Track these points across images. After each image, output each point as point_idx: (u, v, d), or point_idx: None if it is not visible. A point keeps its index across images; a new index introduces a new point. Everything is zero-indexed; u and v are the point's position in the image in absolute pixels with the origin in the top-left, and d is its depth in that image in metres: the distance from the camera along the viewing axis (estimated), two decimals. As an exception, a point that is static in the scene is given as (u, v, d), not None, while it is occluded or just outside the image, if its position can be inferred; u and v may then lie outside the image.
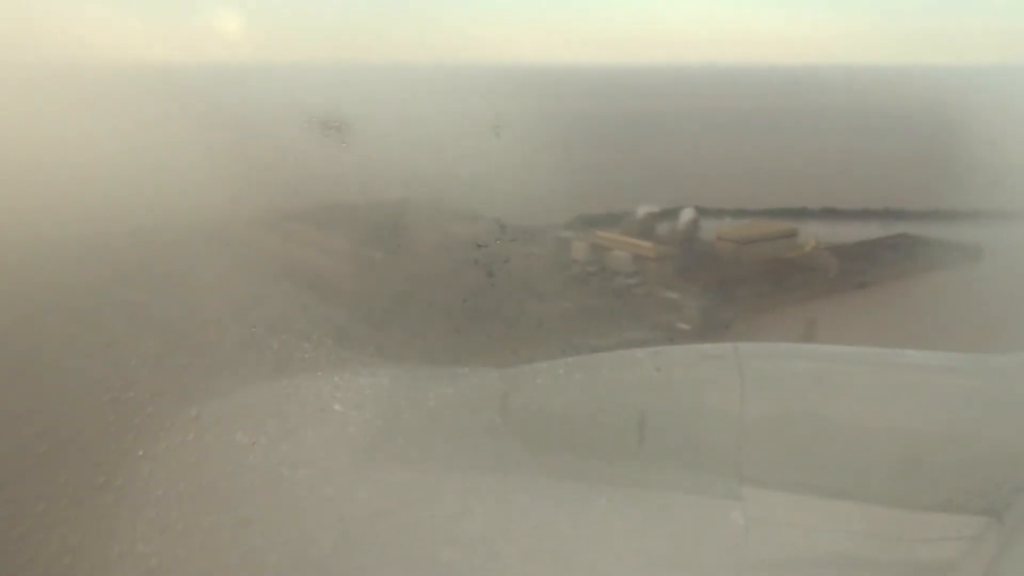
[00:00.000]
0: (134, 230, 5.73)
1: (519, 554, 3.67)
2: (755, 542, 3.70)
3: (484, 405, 4.15)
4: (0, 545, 3.79)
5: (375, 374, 4.44)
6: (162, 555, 3.72)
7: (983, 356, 4.22)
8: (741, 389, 3.92)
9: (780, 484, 3.78)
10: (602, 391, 4.19)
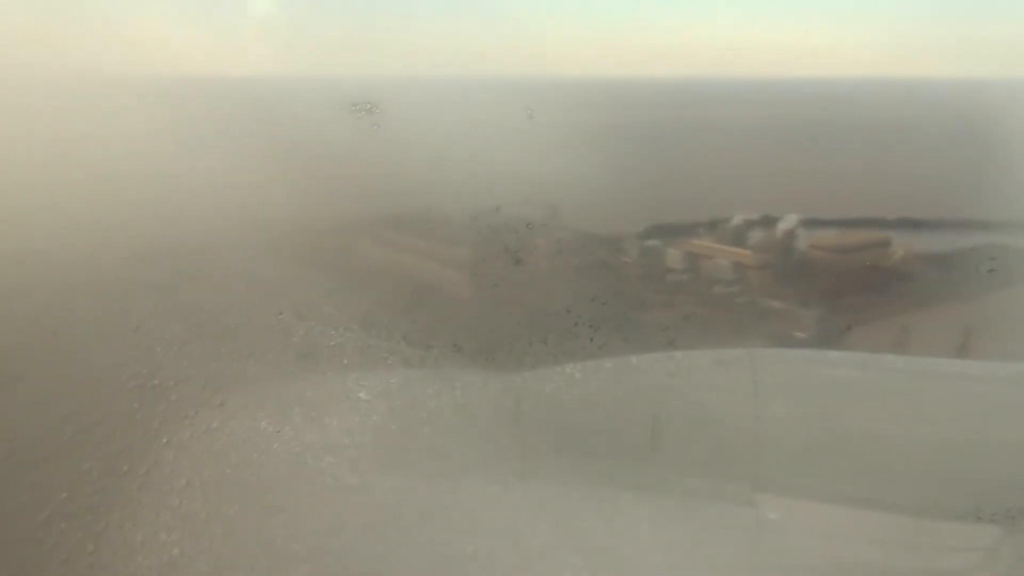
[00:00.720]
0: (179, 231, 5.75)
1: (542, 545, 3.68)
2: (770, 548, 3.69)
3: (498, 409, 4.15)
4: (25, 531, 3.82)
5: (403, 366, 4.44)
6: (184, 544, 3.75)
7: (1007, 364, 4.16)
8: (755, 395, 3.90)
9: (796, 490, 3.77)
10: (616, 396, 4.18)
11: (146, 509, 3.87)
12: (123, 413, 4.36)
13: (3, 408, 4.33)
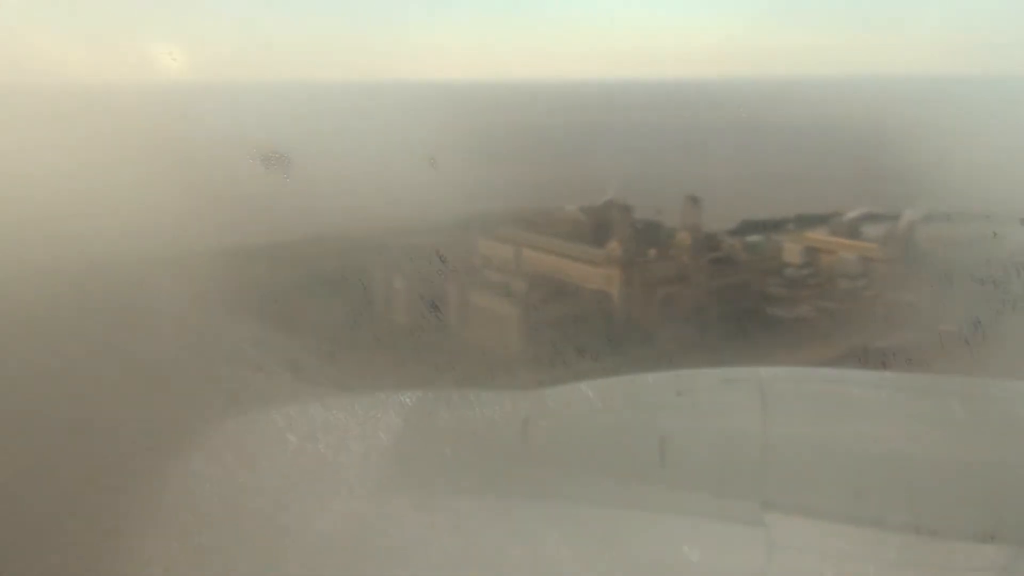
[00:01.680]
0: (90, 258, 5.52)
1: (548, 565, 3.61)
2: (779, 568, 3.64)
3: (506, 428, 4.06)
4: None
5: (398, 397, 4.34)
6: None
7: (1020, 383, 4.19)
8: (763, 413, 3.86)
9: (805, 510, 3.72)
10: (623, 415, 4.12)
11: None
12: (57, 459, 4.15)
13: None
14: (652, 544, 3.69)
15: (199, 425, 4.22)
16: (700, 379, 4.23)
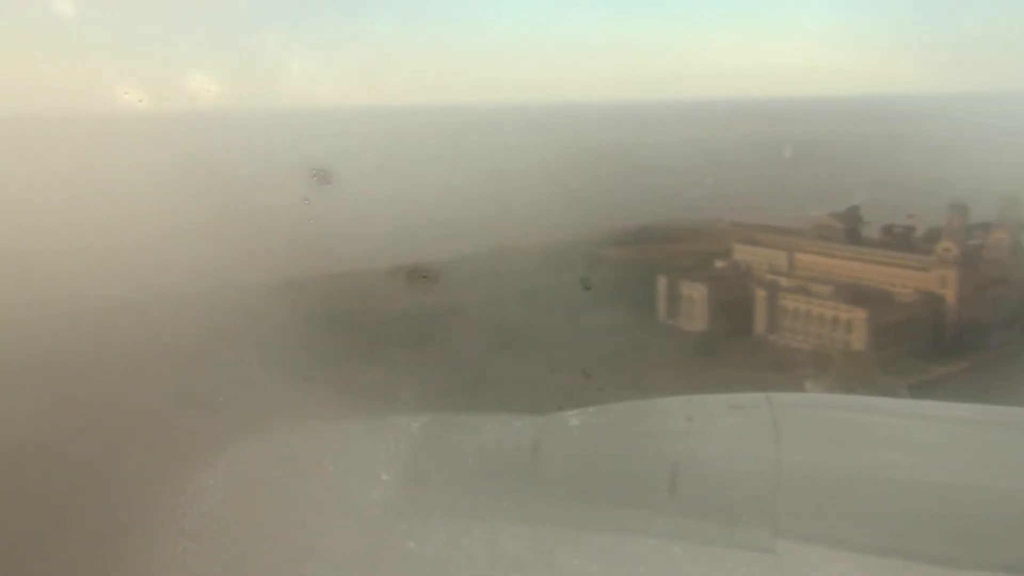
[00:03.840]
0: (122, 293, 5.58)
1: None
2: None
3: (515, 454, 4.08)
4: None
5: (407, 422, 4.38)
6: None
7: None
8: (775, 439, 3.83)
9: (818, 538, 3.68)
10: (633, 440, 4.11)
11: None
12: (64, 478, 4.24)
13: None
14: (662, 572, 3.69)
15: (211, 448, 4.31)
16: (711, 404, 4.21)
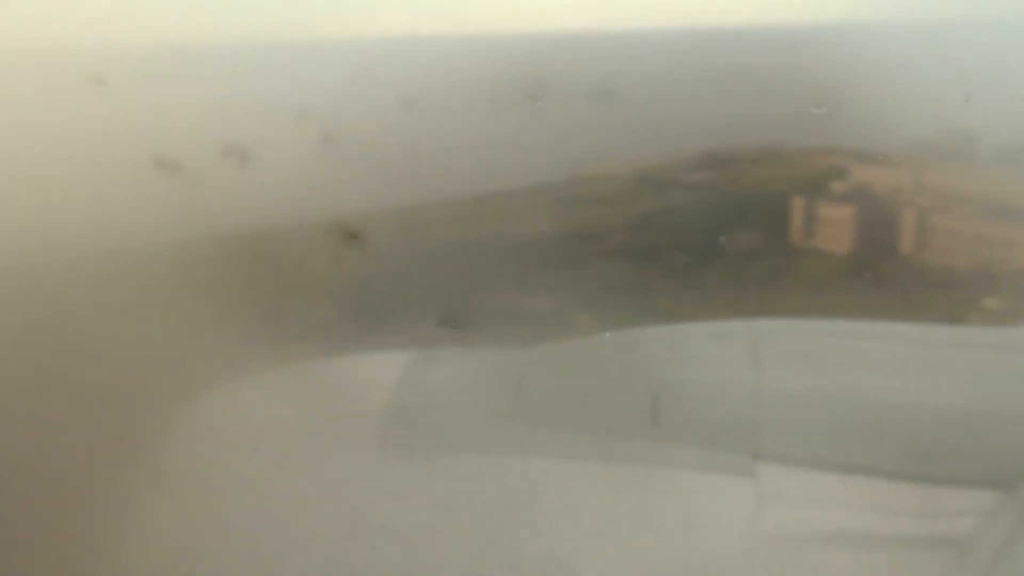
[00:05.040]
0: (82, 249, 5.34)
1: (538, 521, 3.66)
2: (769, 519, 3.69)
3: (499, 387, 4.09)
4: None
5: (391, 358, 4.36)
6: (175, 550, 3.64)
7: (1010, 330, 4.20)
8: (754, 367, 3.89)
9: (795, 460, 3.77)
10: (617, 371, 4.14)
11: (122, 523, 3.71)
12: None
13: None
14: (643, 497, 3.75)
15: (189, 395, 4.25)
16: (692, 333, 4.25)
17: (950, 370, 3.95)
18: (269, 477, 3.82)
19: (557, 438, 3.92)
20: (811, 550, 3.68)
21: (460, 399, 4.13)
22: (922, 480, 3.68)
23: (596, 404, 4.03)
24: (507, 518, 3.69)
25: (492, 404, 4.07)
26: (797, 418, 3.85)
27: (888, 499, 3.68)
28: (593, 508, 3.75)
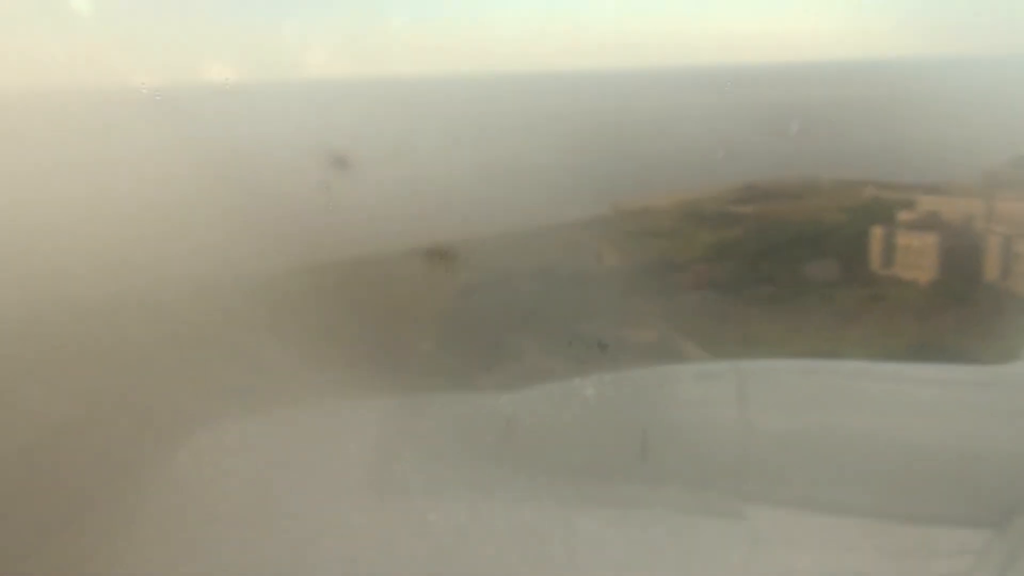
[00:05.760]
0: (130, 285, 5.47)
1: (527, 567, 3.69)
2: (760, 561, 3.70)
3: (488, 429, 4.16)
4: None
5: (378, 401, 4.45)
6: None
7: (993, 368, 4.18)
8: (741, 407, 3.92)
9: (784, 501, 3.78)
10: (605, 412, 4.19)
11: (109, 552, 3.81)
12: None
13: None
14: (633, 540, 3.78)
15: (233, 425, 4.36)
16: (680, 374, 4.30)
17: (937, 408, 3.94)
18: (255, 510, 3.92)
19: (547, 479, 3.95)
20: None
21: (448, 443, 4.22)
22: (913, 520, 3.66)
23: (585, 446, 4.09)
24: (495, 563, 3.75)
25: (482, 446, 4.15)
26: (785, 459, 3.87)
27: (881, 540, 3.65)
28: (589, 551, 3.78)
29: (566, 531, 3.79)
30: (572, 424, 4.15)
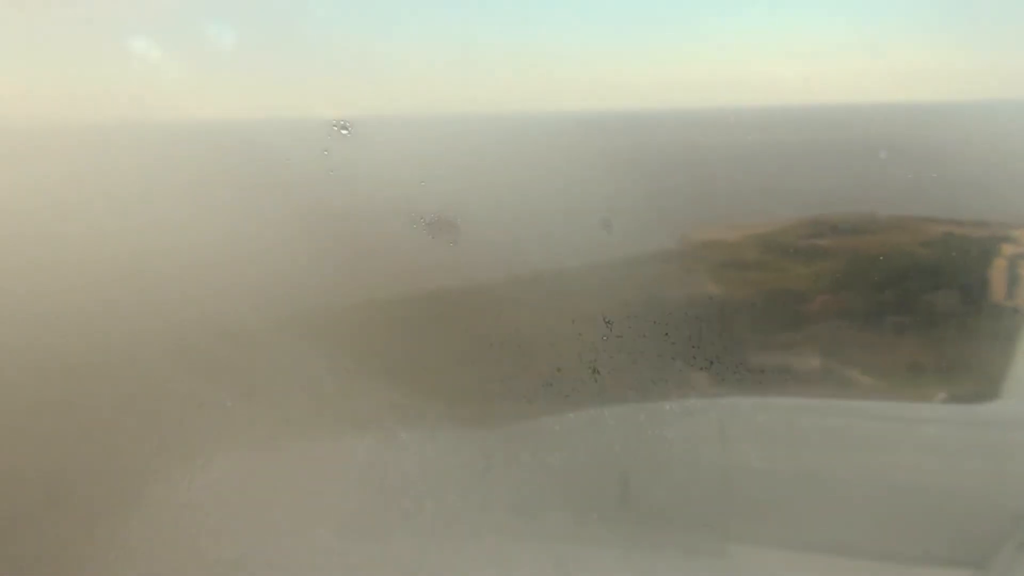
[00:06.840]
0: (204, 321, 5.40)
1: None
2: None
3: (468, 468, 4.18)
4: None
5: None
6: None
7: (976, 407, 4.04)
8: (722, 445, 3.89)
9: (766, 540, 3.73)
10: (585, 452, 4.18)
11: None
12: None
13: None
14: None
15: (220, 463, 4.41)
16: (661, 412, 4.25)
17: (919, 447, 3.84)
18: (235, 548, 3.98)
19: (525, 519, 3.98)
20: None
21: (426, 482, 4.25)
22: (895, 559, 3.56)
23: (565, 485, 4.09)
24: None
25: (460, 487, 4.18)
26: (767, 498, 3.82)
27: (863, 580, 3.58)
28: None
29: (544, 571, 3.80)
30: (552, 462, 4.15)
